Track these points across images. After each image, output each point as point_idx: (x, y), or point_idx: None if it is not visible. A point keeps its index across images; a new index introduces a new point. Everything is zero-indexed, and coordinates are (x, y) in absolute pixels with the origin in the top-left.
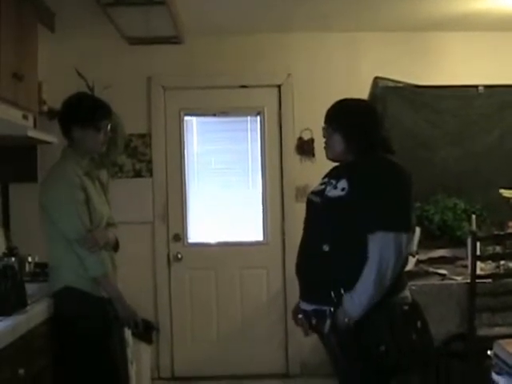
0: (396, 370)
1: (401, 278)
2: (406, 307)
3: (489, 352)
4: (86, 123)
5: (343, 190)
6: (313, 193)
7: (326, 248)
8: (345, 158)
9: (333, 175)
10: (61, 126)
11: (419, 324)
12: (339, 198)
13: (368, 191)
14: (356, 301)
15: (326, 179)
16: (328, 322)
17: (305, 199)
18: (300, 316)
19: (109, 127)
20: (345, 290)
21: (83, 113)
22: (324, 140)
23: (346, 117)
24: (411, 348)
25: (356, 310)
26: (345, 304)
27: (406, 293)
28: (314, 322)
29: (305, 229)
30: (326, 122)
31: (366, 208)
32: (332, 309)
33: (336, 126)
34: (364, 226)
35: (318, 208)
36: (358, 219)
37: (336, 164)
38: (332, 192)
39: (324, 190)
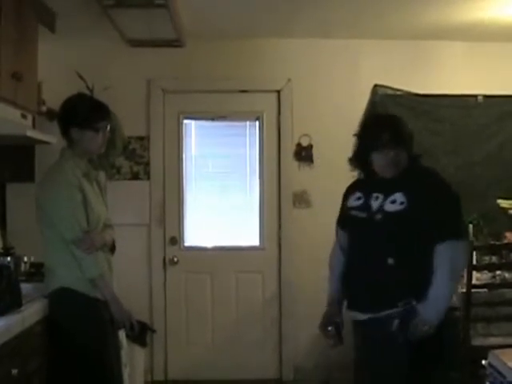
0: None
1: None
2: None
3: (483, 362)
4: (85, 125)
5: (402, 203)
6: (353, 208)
7: (391, 261)
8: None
9: (373, 189)
10: (60, 127)
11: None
12: (399, 212)
13: (428, 202)
14: (436, 307)
15: (359, 194)
16: (396, 321)
17: (303, 205)
18: (330, 328)
19: (108, 128)
20: (416, 301)
21: (81, 114)
22: (388, 161)
23: (407, 134)
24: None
25: (435, 317)
26: (424, 313)
27: (454, 298)
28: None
29: (356, 244)
30: (396, 142)
31: (430, 219)
32: (397, 311)
33: (404, 143)
34: (430, 236)
35: (370, 223)
36: (422, 230)
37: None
38: (390, 206)
39: (367, 204)
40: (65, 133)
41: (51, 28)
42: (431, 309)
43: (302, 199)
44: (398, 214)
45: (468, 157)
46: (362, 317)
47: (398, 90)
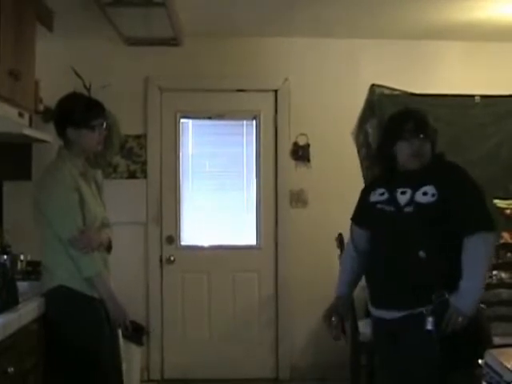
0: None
1: None
2: (483, 306)
3: (480, 361)
4: (80, 124)
5: (433, 195)
6: (379, 202)
7: (422, 254)
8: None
9: (397, 183)
10: (56, 128)
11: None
12: (431, 203)
13: (458, 194)
14: (469, 299)
15: (382, 189)
16: (430, 319)
17: (299, 204)
18: (333, 319)
19: (104, 126)
20: (448, 292)
21: (76, 113)
22: (414, 149)
23: (431, 127)
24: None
25: (470, 308)
26: (457, 304)
27: None
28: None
29: (383, 239)
30: (421, 131)
31: (461, 211)
32: (433, 308)
33: (428, 133)
34: (460, 228)
35: (399, 216)
36: (453, 222)
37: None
38: (422, 198)
39: (392, 198)
40: (61, 133)
41: (49, 27)
42: (464, 300)
43: (298, 198)
44: (431, 206)
45: (465, 157)
46: (395, 315)
47: (395, 89)
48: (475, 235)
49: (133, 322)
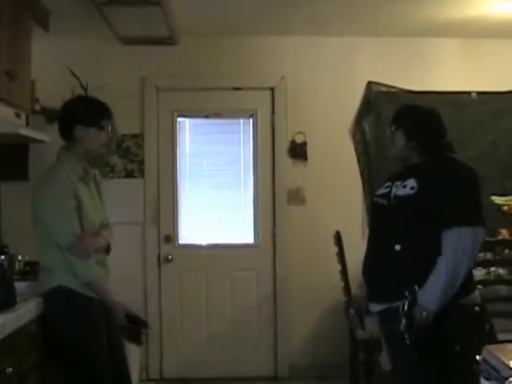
0: (463, 372)
1: (471, 278)
2: (477, 308)
3: (478, 357)
4: (89, 122)
5: (412, 188)
6: (378, 196)
7: (397, 248)
8: (409, 157)
9: (397, 177)
10: (62, 127)
11: (487, 326)
12: (409, 196)
13: (438, 188)
14: (432, 293)
15: (389, 183)
16: (403, 320)
17: (297, 202)
18: (351, 310)
19: (110, 128)
20: (419, 287)
21: (86, 111)
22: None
23: (408, 115)
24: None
25: (432, 303)
26: (420, 299)
27: (476, 294)
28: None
29: (372, 232)
30: (391, 120)
31: (438, 205)
32: (406, 306)
33: (398, 123)
34: (437, 223)
35: (387, 209)
36: (430, 216)
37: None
38: (401, 191)
39: (390, 192)
40: (67, 132)
41: (45, 26)
42: (427, 295)
43: (296, 196)
44: (406, 198)
45: (462, 153)
46: (377, 308)
47: (391, 86)
48: (450, 229)
49: (136, 318)
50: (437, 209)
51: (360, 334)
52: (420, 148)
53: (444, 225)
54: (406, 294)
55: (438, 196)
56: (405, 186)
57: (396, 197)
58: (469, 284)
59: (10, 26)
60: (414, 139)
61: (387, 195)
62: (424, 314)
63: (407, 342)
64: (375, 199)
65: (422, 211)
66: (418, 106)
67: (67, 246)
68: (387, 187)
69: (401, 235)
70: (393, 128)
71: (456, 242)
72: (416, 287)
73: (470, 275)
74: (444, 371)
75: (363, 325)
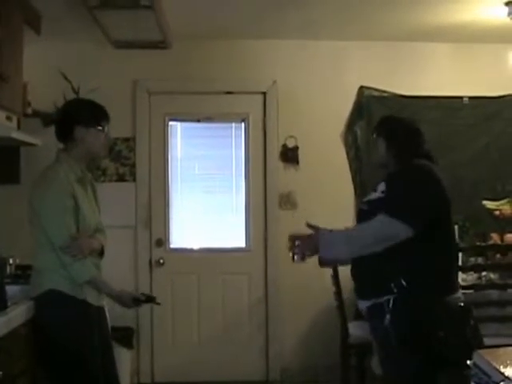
0: (447, 362)
1: (453, 280)
2: (461, 303)
3: (468, 362)
4: (90, 123)
5: (382, 192)
6: (362, 202)
7: None
8: (389, 164)
9: (376, 184)
10: (62, 128)
11: (472, 322)
12: (379, 199)
13: (395, 190)
14: (329, 244)
15: (372, 190)
16: (388, 316)
17: (288, 206)
18: (297, 243)
19: (107, 131)
20: (405, 281)
21: (87, 112)
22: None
23: (388, 123)
24: (466, 341)
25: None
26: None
27: (459, 294)
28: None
29: None
30: (374, 129)
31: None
32: (391, 302)
33: (380, 131)
34: None
35: (366, 213)
36: None
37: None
38: (373, 195)
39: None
40: (67, 134)
41: (37, 30)
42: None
43: (287, 200)
44: (377, 201)
45: (454, 158)
46: (364, 304)
47: (383, 91)
48: (377, 215)
49: (143, 294)
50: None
51: (353, 337)
52: (397, 156)
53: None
54: (392, 286)
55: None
56: (376, 190)
57: (369, 201)
58: (451, 284)
59: (2, 29)
60: (392, 148)
61: (367, 201)
62: (309, 252)
63: (392, 336)
64: (360, 205)
65: None
66: (399, 117)
67: (62, 246)
68: (370, 194)
69: None
70: (374, 135)
71: (372, 223)
72: (403, 281)
73: (455, 276)
74: (430, 361)
75: (347, 331)
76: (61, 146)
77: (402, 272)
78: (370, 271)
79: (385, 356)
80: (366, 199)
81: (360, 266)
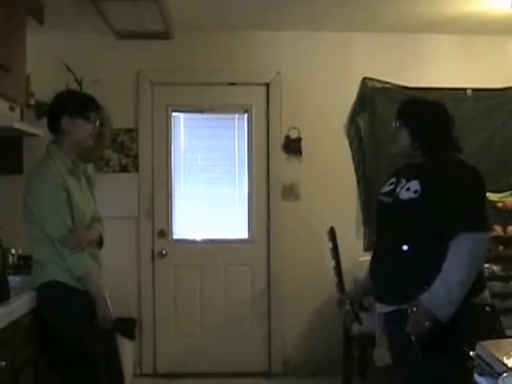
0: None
1: (481, 278)
2: (488, 308)
3: (471, 353)
4: (76, 113)
5: (416, 192)
6: (383, 194)
7: (405, 248)
8: (412, 155)
9: (402, 175)
10: (49, 119)
11: (498, 326)
12: (412, 199)
13: (443, 192)
14: (439, 300)
15: (393, 179)
16: (411, 321)
17: (291, 198)
18: (347, 307)
19: (97, 122)
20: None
21: (73, 102)
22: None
23: (414, 112)
24: None
25: (442, 310)
26: (427, 303)
27: (486, 293)
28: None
29: (379, 231)
30: (396, 116)
31: (443, 209)
32: (414, 308)
33: (403, 121)
34: (443, 227)
35: (391, 209)
36: (436, 220)
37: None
38: (404, 194)
39: (394, 190)
40: (54, 124)
41: (40, 20)
42: (435, 300)
43: (290, 192)
44: (410, 202)
45: None
46: (385, 309)
47: (387, 82)
48: (458, 236)
49: (121, 320)
50: (441, 214)
51: (355, 329)
52: (424, 147)
53: (451, 231)
54: (417, 295)
55: (441, 201)
56: (408, 189)
57: (400, 200)
58: (478, 284)
59: (5, 19)
60: (418, 138)
61: (392, 193)
62: (427, 323)
63: (413, 342)
64: (380, 198)
65: (425, 216)
66: (425, 101)
67: (60, 239)
68: (391, 184)
69: (407, 236)
70: (397, 125)
71: (463, 248)
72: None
73: (479, 276)
74: (449, 371)
75: (359, 319)
76: (51, 138)
77: (428, 279)
78: (395, 278)
79: (403, 361)
80: (385, 190)
81: (382, 271)
